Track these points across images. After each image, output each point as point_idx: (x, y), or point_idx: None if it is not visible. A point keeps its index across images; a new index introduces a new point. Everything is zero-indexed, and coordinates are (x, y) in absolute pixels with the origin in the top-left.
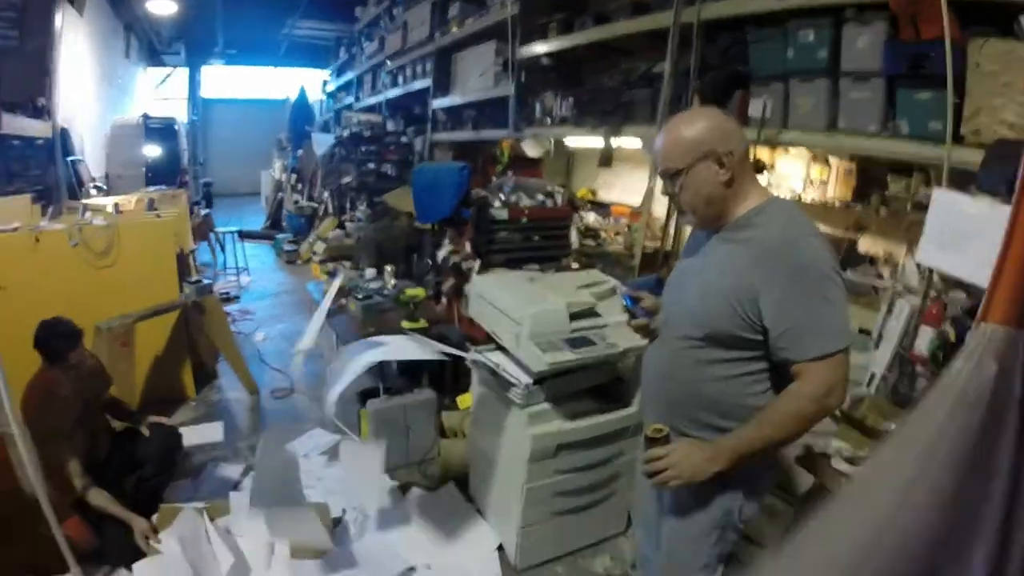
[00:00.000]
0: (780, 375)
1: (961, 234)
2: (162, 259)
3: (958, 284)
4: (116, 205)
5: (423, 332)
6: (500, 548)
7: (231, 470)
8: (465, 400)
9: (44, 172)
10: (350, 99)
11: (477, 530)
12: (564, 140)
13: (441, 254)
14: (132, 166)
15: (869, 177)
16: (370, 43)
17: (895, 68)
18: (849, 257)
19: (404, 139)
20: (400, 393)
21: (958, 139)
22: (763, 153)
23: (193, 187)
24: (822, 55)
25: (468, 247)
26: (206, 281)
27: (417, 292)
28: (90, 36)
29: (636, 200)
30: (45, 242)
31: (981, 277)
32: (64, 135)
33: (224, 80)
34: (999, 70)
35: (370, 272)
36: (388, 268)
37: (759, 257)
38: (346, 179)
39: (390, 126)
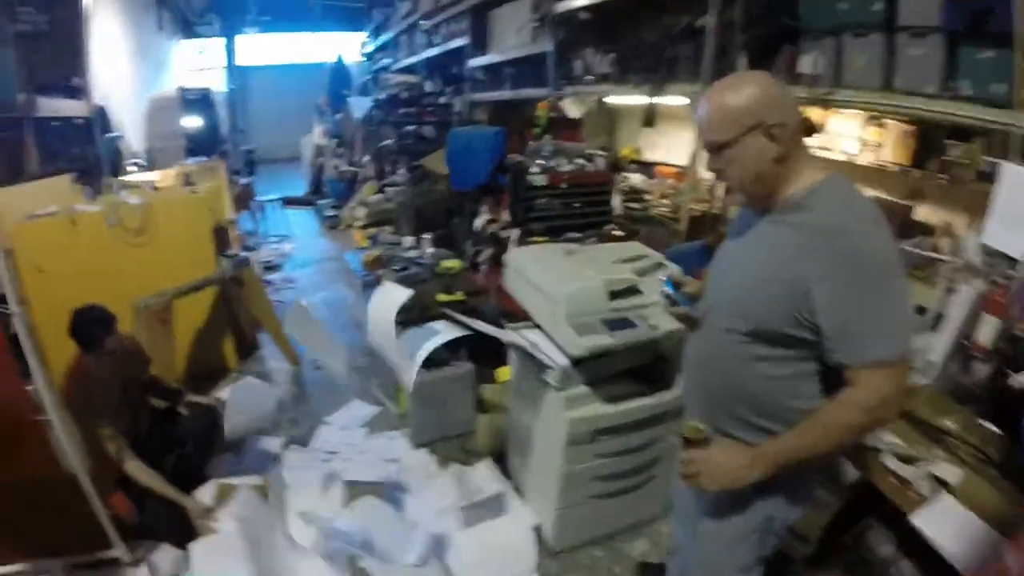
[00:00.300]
0: (834, 376)
1: None
2: (198, 234)
3: None
4: (152, 183)
5: (460, 305)
6: (537, 528)
7: (273, 443)
8: (504, 373)
9: (84, 150)
10: (387, 60)
11: (514, 509)
12: (606, 98)
13: (478, 223)
14: (172, 139)
15: (928, 141)
16: (404, 2)
17: (956, 23)
18: (905, 226)
19: (443, 99)
20: (438, 366)
21: None
22: (813, 113)
23: (234, 155)
24: (877, 7)
25: (506, 215)
26: (243, 254)
27: (453, 264)
28: (121, 12)
29: (682, 160)
30: (82, 224)
31: None
32: (102, 113)
33: (261, 47)
34: None
35: (408, 240)
36: (426, 236)
37: (811, 244)
38: (385, 142)
39: (428, 86)
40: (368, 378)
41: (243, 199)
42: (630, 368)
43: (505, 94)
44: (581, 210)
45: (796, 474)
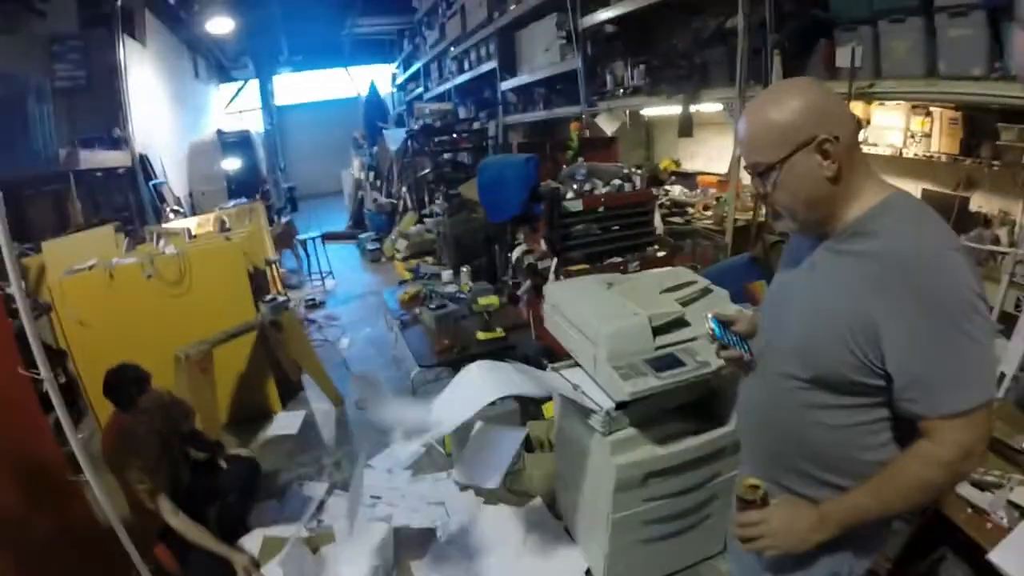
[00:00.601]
0: (906, 423)
1: None
2: (234, 281)
3: None
4: (189, 230)
5: (499, 342)
6: (588, 573)
7: (316, 488)
8: (551, 408)
9: (128, 199)
10: (419, 89)
11: (564, 551)
12: (640, 111)
13: (515, 254)
14: (213, 181)
15: (977, 126)
16: (431, 32)
17: None
18: (960, 218)
19: (477, 125)
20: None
21: None
22: (856, 107)
23: (275, 193)
24: None
25: (543, 244)
26: (281, 298)
27: (491, 300)
28: (156, 63)
29: (722, 167)
30: (120, 277)
31: None
32: (143, 161)
33: (296, 86)
34: None
35: (446, 274)
36: (464, 269)
37: (880, 278)
38: (422, 172)
39: (461, 113)
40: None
41: (285, 238)
42: (681, 404)
43: (538, 115)
44: (621, 233)
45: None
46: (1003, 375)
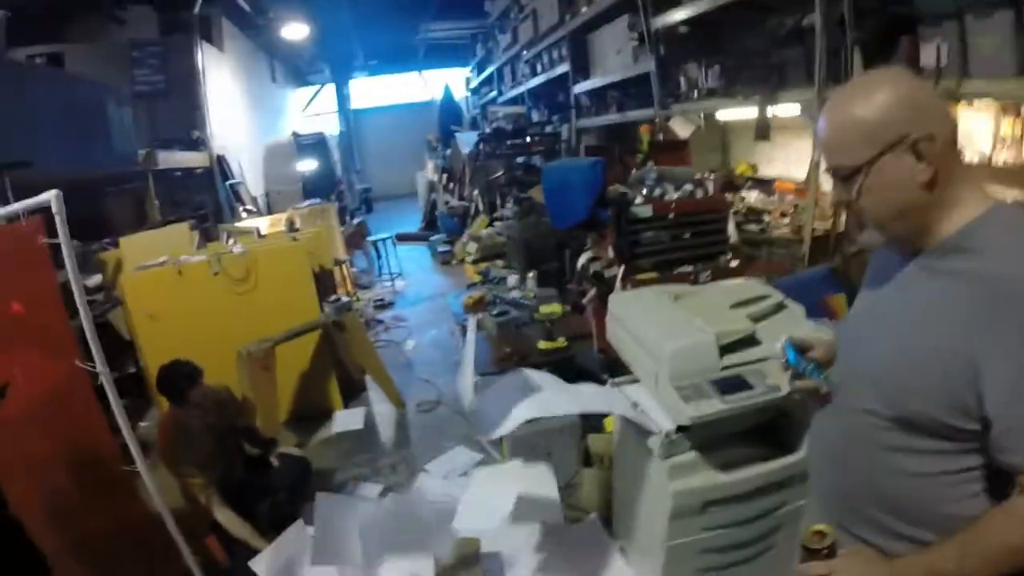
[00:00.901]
0: (1000, 476)
1: None
2: (299, 281)
3: None
4: (258, 229)
5: (562, 352)
6: None
7: (370, 490)
8: (612, 422)
9: (205, 198)
10: (493, 93)
11: (618, 572)
12: (715, 114)
13: (581, 261)
14: (288, 182)
15: None
16: (504, 35)
17: None
18: None
19: (549, 128)
20: (540, 416)
21: None
22: None
23: (350, 194)
24: None
25: (610, 251)
26: (345, 299)
27: (553, 309)
28: (234, 68)
29: (801, 173)
30: (188, 273)
31: None
32: (221, 162)
33: (372, 89)
34: None
35: (512, 279)
36: (530, 275)
37: (984, 305)
38: (493, 176)
39: (534, 116)
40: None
41: (356, 239)
42: (748, 428)
43: (611, 118)
44: (692, 241)
45: None
46: None
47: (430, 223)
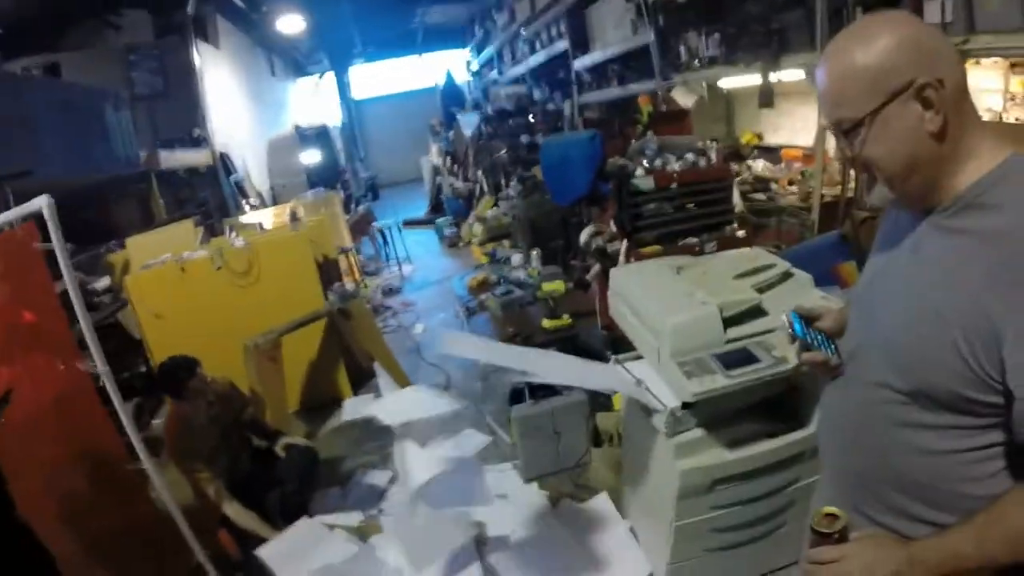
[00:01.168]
0: (1020, 453)
1: None
2: (302, 270)
3: None
4: (260, 223)
5: (566, 330)
6: None
7: (379, 477)
8: (620, 400)
9: (209, 195)
10: (494, 74)
11: (627, 553)
12: (717, 82)
13: (583, 236)
14: (292, 174)
15: None
16: (501, 14)
17: None
18: None
19: (551, 106)
20: (548, 396)
21: None
22: None
23: (354, 183)
24: None
25: (612, 226)
26: (349, 287)
27: (555, 286)
28: (232, 64)
29: (808, 140)
30: (191, 270)
31: None
32: (223, 158)
33: (374, 78)
34: None
35: (516, 258)
36: (534, 253)
37: (1004, 265)
38: (497, 155)
39: (536, 94)
40: (482, 404)
41: (362, 225)
42: (756, 403)
43: (613, 92)
44: (696, 212)
45: None
46: None
47: (436, 207)
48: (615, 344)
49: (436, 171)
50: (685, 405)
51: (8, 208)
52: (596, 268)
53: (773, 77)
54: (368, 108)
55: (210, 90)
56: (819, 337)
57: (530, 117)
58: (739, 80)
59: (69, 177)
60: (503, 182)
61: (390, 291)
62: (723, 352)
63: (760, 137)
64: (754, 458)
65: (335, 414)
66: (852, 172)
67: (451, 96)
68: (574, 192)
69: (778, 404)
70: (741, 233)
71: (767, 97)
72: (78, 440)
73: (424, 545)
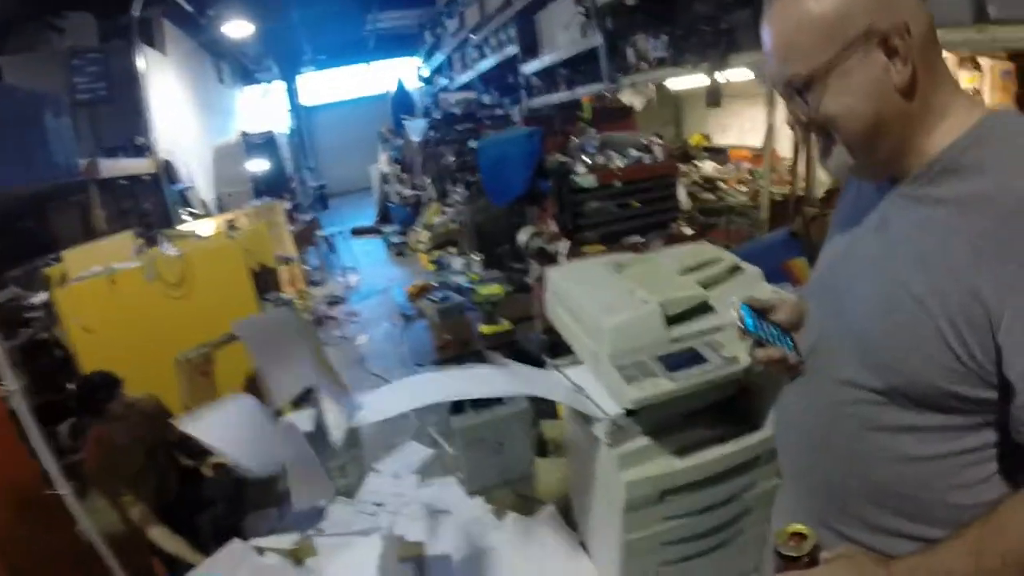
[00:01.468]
0: (1018, 451)
1: None
2: (236, 280)
3: None
4: (196, 232)
5: (505, 336)
6: None
7: None
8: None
9: (153, 205)
10: (444, 81)
11: (578, 569)
12: (665, 84)
13: (522, 237)
14: (239, 183)
15: None
16: (451, 20)
17: None
18: None
19: (499, 111)
20: (490, 405)
21: None
22: None
23: (302, 192)
24: None
25: (552, 225)
26: (285, 296)
27: (494, 291)
28: (178, 70)
29: (755, 141)
30: (122, 282)
31: None
32: (168, 167)
33: (325, 86)
34: None
35: (458, 263)
36: (476, 257)
37: (990, 233)
38: (444, 161)
39: (486, 100)
40: (424, 415)
41: (307, 235)
42: (706, 406)
43: (561, 96)
44: (641, 210)
45: None
46: None
47: (384, 215)
48: (554, 349)
49: (384, 179)
50: (628, 412)
51: None
52: (536, 270)
53: (721, 77)
54: (318, 116)
55: (155, 96)
56: (774, 331)
57: (478, 121)
58: (687, 81)
59: (4, 185)
60: (450, 188)
61: (335, 301)
62: (667, 354)
63: (708, 139)
64: (705, 465)
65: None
66: (800, 169)
67: (402, 103)
68: (512, 191)
69: (729, 407)
70: (688, 231)
71: (715, 96)
72: None
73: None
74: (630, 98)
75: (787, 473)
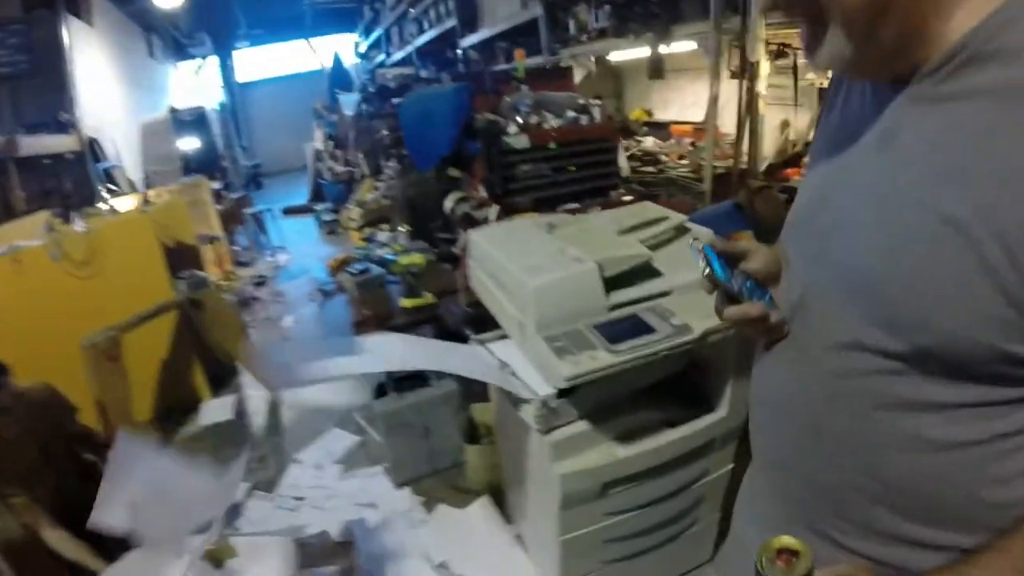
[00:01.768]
0: None
1: None
2: (147, 258)
3: None
4: (113, 207)
5: (429, 310)
6: None
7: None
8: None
9: (78, 184)
10: (382, 56)
11: (514, 565)
12: (607, 56)
13: (448, 203)
14: (167, 161)
15: None
16: None
17: None
18: None
19: (437, 85)
20: (413, 388)
21: None
22: None
23: (233, 171)
24: None
25: (481, 190)
26: (200, 274)
27: (414, 260)
28: (106, 43)
29: (698, 116)
30: (26, 261)
31: None
32: (93, 144)
33: (260, 61)
34: None
35: (384, 235)
36: (401, 229)
37: None
38: (378, 135)
39: (424, 74)
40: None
41: (235, 213)
42: (652, 385)
43: (499, 69)
44: (578, 174)
45: None
46: None
47: (317, 193)
48: (480, 324)
49: (318, 156)
50: (560, 392)
51: None
52: (464, 239)
53: (664, 49)
54: (253, 92)
55: (81, 70)
56: (748, 284)
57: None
58: (629, 54)
59: None
60: (384, 164)
61: (262, 282)
62: (606, 321)
63: (650, 113)
64: (652, 453)
65: (191, 420)
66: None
67: (338, 79)
68: (437, 152)
69: (678, 385)
70: (628, 199)
71: (657, 68)
72: None
73: None
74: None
75: (763, 463)
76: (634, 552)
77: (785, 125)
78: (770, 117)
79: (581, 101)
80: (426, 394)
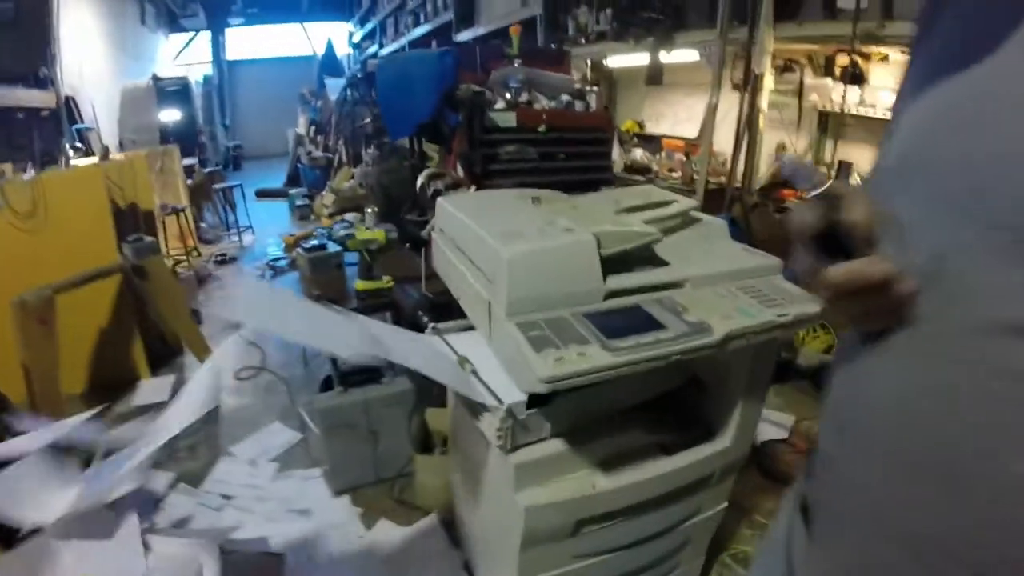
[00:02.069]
0: None
1: None
2: (95, 215)
3: None
4: (67, 160)
5: (385, 294)
6: None
7: (158, 480)
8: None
9: (50, 143)
10: (375, 47)
11: None
12: (604, 61)
13: (420, 180)
14: (145, 131)
15: None
16: None
17: None
18: None
19: (419, 49)
20: (363, 383)
21: None
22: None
23: (212, 147)
24: None
25: (458, 168)
26: (148, 239)
27: (373, 236)
28: (98, 3)
29: (690, 132)
30: None
31: None
32: (69, 103)
33: (251, 41)
34: None
35: (351, 216)
36: (368, 210)
37: None
38: (360, 123)
39: None
40: (297, 393)
41: (205, 189)
42: (643, 401)
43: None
44: (566, 163)
45: None
46: None
47: (294, 178)
48: (439, 313)
49: (299, 141)
50: (532, 401)
51: None
52: (432, 220)
53: (665, 57)
54: (242, 71)
55: (67, 26)
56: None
57: None
58: (627, 59)
59: None
60: (364, 152)
61: (224, 260)
62: (602, 311)
63: (641, 126)
64: (640, 486)
65: (124, 398)
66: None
67: (329, 67)
68: (413, 119)
69: (674, 404)
70: None
71: (656, 73)
72: None
73: None
74: None
75: (843, 517)
76: None
77: (781, 148)
78: (767, 139)
79: (577, 85)
80: (376, 391)
